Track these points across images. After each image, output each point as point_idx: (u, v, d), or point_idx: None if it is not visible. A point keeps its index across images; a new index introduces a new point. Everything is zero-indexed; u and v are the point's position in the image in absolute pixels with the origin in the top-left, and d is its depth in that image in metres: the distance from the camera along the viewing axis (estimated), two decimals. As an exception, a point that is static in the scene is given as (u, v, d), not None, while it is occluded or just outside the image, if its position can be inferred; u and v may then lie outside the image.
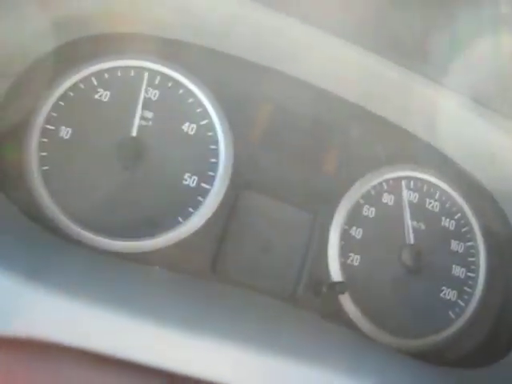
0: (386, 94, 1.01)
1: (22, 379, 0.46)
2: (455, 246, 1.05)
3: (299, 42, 0.95)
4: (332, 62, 0.97)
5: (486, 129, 0.97)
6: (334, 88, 1.03)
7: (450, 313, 1.02)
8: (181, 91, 0.97)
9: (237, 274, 0.93)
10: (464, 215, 1.07)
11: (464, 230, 1.06)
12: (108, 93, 0.94)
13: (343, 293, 0.91)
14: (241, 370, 0.55)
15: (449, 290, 1.02)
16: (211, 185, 0.94)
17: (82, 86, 0.93)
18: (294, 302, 0.94)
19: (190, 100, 0.97)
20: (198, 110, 0.97)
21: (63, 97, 0.92)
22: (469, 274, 1.04)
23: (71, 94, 0.92)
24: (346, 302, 0.95)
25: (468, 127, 0.99)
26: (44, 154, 0.88)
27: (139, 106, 0.94)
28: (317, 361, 0.62)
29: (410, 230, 1.02)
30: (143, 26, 0.98)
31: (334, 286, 0.90)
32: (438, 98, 0.96)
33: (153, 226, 0.90)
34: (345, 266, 0.98)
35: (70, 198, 0.87)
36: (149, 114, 0.94)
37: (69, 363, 0.49)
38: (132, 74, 0.96)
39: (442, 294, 1.02)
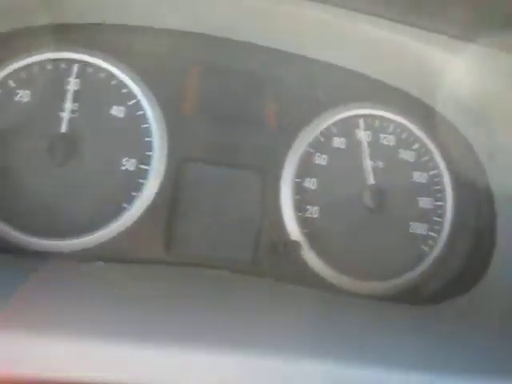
0: (319, 36, 0.95)
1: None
2: (418, 176, 1.01)
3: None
4: (244, 12, 0.91)
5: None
6: (260, 39, 0.97)
7: (423, 247, 0.99)
8: (102, 75, 0.94)
9: (193, 249, 0.91)
10: (423, 144, 1.02)
11: (425, 159, 1.02)
12: (28, 92, 0.91)
13: (298, 251, 0.89)
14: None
15: (418, 223, 0.99)
16: (150, 165, 0.91)
17: (-1, 90, 0.91)
18: (256, 269, 0.92)
19: (113, 82, 0.94)
20: (124, 91, 0.94)
21: None
22: (437, 203, 1.00)
23: None
24: (311, 257, 0.93)
25: (405, 51, 0.93)
26: None
27: (64, 100, 0.91)
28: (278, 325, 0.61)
29: (370, 170, 0.98)
30: (50, 16, 0.93)
31: (287, 245, 0.88)
32: (369, 30, 0.90)
33: (98, 218, 0.88)
34: (304, 220, 0.95)
35: (5, 204, 0.86)
36: (74, 106, 0.91)
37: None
38: (49, 67, 0.93)
39: (410, 230, 0.99)
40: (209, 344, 0.53)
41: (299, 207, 0.95)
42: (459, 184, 1.01)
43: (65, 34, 0.95)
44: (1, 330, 0.48)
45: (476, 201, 1.00)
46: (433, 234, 0.99)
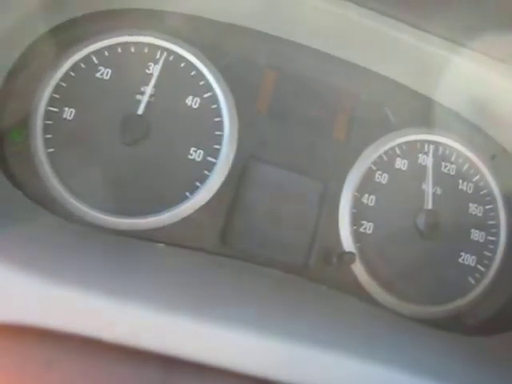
0: (394, 55, 0.96)
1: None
2: (474, 209, 1.01)
3: (302, 5, 0.91)
4: (336, 23, 0.93)
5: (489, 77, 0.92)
6: (339, 51, 0.98)
7: (470, 278, 0.99)
8: (182, 64, 0.96)
9: (247, 246, 0.92)
10: (482, 177, 1.03)
11: (483, 192, 1.02)
12: (109, 70, 0.93)
13: (352, 263, 0.90)
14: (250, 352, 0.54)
15: (467, 255, 0.99)
16: (217, 158, 0.93)
17: (82, 65, 0.93)
18: (306, 273, 0.93)
19: (193, 73, 0.96)
20: (201, 83, 0.95)
21: (64, 77, 0.91)
22: (489, 237, 1.01)
23: (72, 74, 0.92)
24: (360, 271, 0.94)
25: (476, 81, 0.94)
26: (49, 136, 0.89)
27: (142, 83, 0.93)
28: (328, 339, 0.61)
29: (430, 195, 0.99)
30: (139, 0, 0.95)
31: (342, 256, 0.89)
32: (446, 56, 0.91)
33: (160, 203, 0.90)
34: (357, 235, 0.96)
35: (76, 179, 0.88)
36: (152, 90, 0.93)
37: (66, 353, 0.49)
38: (132, 50, 0.95)
39: (460, 260, 0.99)
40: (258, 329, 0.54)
41: (355, 221, 0.96)
42: None
43: (149, 19, 0.97)
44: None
45: None
46: (481, 267, 0.99)
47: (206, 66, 0.95)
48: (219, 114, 0.94)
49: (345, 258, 0.88)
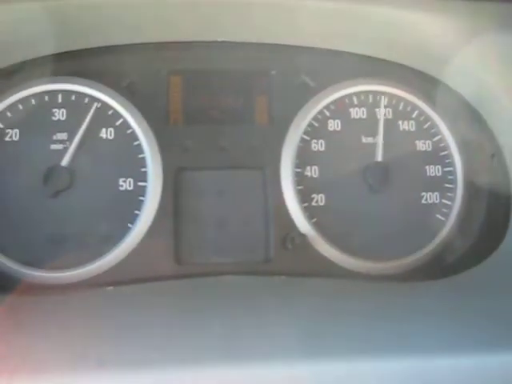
0: (296, 23, 0.92)
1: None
2: (421, 145, 0.97)
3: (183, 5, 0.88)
4: (224, 9, 0.89)
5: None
6: (235, 36, 0.95)
7: (439, 216, 0.96)
8: (86, 100, 0.93)
9: (203, 258, 0.91)
10: (422, 112, 0.99)
11: (426, 126, 0.98)
12: (17, 131, 0.91)
13: (306, 244, 0.87)
14: None
15: (429, 193, 0.96)
16: (147, 181, 0.91)
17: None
18: (270, 264, 0.91)
19: (98, 105, 0.93)
20: (110, 113, 0.93)
21: None
22: (445, 169, 0.97)
23: None
24: (321, 245, 0.91)
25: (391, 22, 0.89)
26: None
27: (52, 131, 0.91)
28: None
29: (380, 146, 0.95)
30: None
31: (293, 240, 0.86)
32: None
33: (104, 243, 0.88)
34: (311, 210, 0.93)
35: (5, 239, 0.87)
36: (63, 136, 0.91)
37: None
38: (33, 102, 0.93)
39: (423, 201, 0.95)
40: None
41: (304, 197, 0.93)
42: (466, 147, 0.97)
43: (40, 67, 0.94)
44: None
45: (486, 163, 0.96)
46: (446, 201, 0.96)
47: (109, 94, 0.93)
48: (136, 138, 0.92)
49: (296, 241, 0.86)
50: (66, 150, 0.90)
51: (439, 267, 0.93)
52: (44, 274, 0.85)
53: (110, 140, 0.92)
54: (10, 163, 0.90)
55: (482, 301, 0.71)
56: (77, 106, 0.93)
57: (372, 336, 0.58)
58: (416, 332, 0.60)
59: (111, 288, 0.81)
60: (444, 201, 0.96)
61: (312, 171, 0.94)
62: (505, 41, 0.87)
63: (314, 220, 0.92)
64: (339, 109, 0.97)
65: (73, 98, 0.93)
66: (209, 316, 0.65)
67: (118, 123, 0.93)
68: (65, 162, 0.89)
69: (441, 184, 0.96)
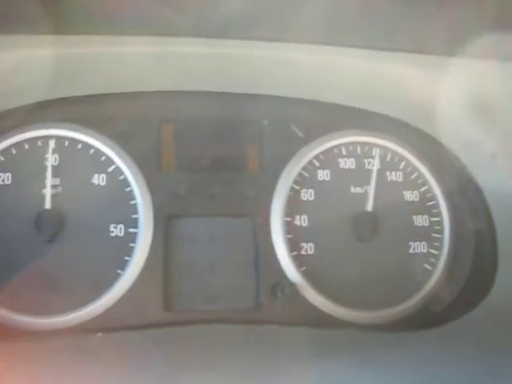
0: (284, 76, 0.95)
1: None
2: (409, 195, 0.99)
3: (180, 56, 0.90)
4: (217, 62, 0.92)
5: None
6: (229, 87, 0.97)
7: (426, 265, 0.97)
8: (79, 146, 0.94)
9: (193, 305, 0.90)
10: (409, 163, 1.01)
11: (413, 176, 1.01)
12: (9, 175, 0.92)
13: (294, 293, 0.88)
14: None
15: (416, 243, 0.97)
16: (138, 227, 0.91)
17: (-20, 178, 0.91)
18: (260, 312, 0.91)
19: (91, 151, 0.94)
20: (102, 159, 0.94)
21: None
22: (432, 218, 0.99)
23: None
24: (310, 294, 0.91)
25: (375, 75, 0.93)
26: None
27: (44, 176, 0.91)
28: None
29: (371, 197, 0.96)
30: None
31: (284, 289, 0.87)
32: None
33: (93, 289, 0.88)
34: (300, 259, 0.93)
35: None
36: (55, 181, 0.92)
37: None
38: (26, 147, 0.93)
39: (411, 251, 0.97)
40: None
41: (293, 246, 0.94)
42: (452, 196, 0.99)
43: (34, 113, 0.96)
44: None
45: (473, 211, 0.98)
46: (433, 251, 0.97)
47: (102, 141, 0.94)
48: (128, 184, 0.93)
49: (286, 290, 0.86)
50: (57, 194, 0.91)
51: (428, 317, 0.93)
52: (31, 320, 0.84)
53: (102, 186, 0.93)
54: (1, 207, 0.90)
55: (471, 350, 0.72)
56: (70, 151, 0.94)
57: None
58: (405, 382, 0.60)
59: (100, 335, 0.80)
60: (431, 250, 0.97)
61: (301, 220, 0.96)
62: (485, 93, 0.90)
63: (304, 269, 0.93)
64: (328, 159, 0.99)
65: (66, 143, 0.94)
66: (197, 366, 0.65)
67: (110, 169, 0.94)
68: (48, 205, 0.89)
69: (428, 233, 0.98)
